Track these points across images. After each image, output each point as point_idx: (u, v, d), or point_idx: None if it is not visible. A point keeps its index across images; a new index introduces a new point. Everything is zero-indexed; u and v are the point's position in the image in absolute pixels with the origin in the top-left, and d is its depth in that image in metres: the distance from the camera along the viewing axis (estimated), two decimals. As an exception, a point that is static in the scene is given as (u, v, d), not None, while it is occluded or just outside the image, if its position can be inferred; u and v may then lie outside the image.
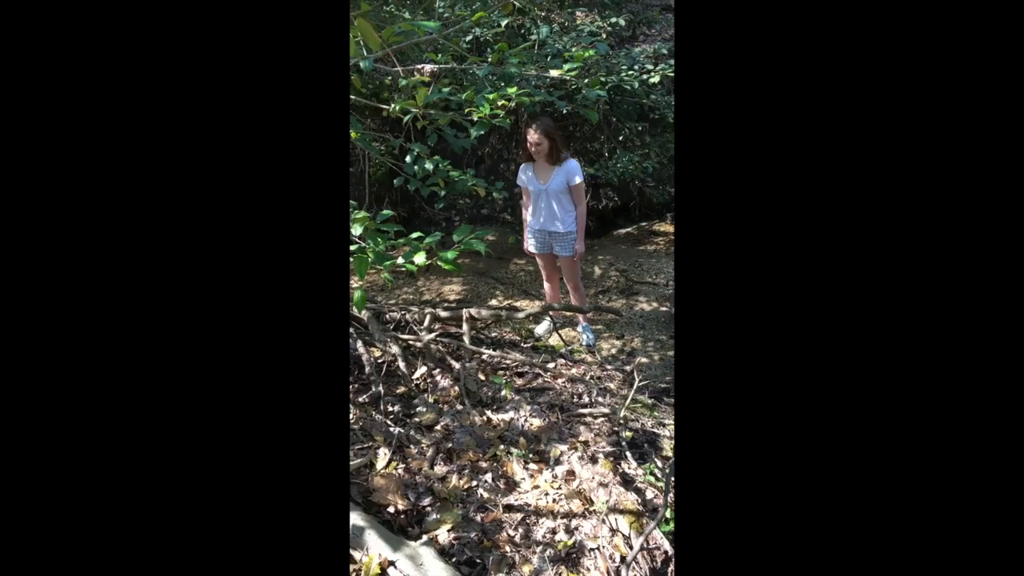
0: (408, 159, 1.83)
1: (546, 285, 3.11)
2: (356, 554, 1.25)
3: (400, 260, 1.34)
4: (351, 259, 1.33)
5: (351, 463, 1.58)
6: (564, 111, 3.09)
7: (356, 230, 1.44)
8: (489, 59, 1.52)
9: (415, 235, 1.45)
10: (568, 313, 3.10)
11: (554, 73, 1.55)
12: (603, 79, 2.93)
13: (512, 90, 1.45)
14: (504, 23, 1.84)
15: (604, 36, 3.95)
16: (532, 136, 2.60)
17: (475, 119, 1.53)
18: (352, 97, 2.02)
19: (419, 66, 1.60)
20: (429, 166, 1.80)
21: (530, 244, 2.95)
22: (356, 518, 1.30)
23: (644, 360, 2.88)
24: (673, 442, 1.89)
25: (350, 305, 2.40)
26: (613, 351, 3.00)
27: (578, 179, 2.68)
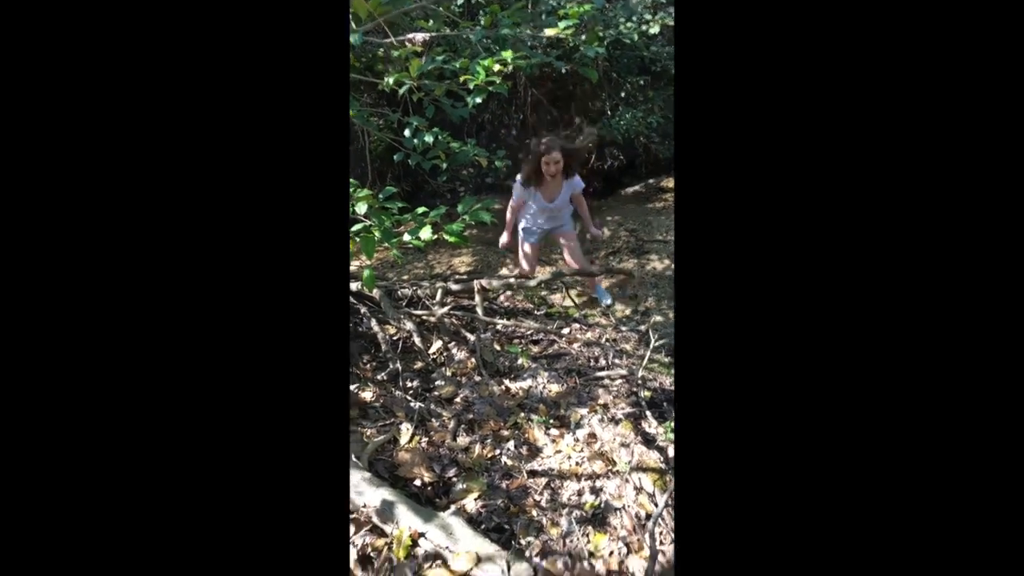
0: (407, 133, 1.80)
1: (527, 262, 3.01)
2: (387, 527, 1.28)
3: (407, 236, 1.33)
4: (358, 238, 1.32)
5: (375, 440, 1.61)
6: (563, 71, 3.02)
7: (360, 208, 1.43)
8: (482, 22, 1.47)
9: (420, 210, 1.43)
10: (580, 277, 3.08)
11: (549, 32, 1.50)
12: (600, 34, 2.84)
13: (507, 54, 1.41)
14: (495, -17, 1.78)
15: (599, -12, 3.82)
16: (555, 157, 2.49)
17: (472, 87, 1.49)
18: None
19: (410, 36, 1.56)
20: (429, 139, 1.77)
21: (527, 244, 2.89)
22: (384, 493, 1.33)
23: (659, 319, 2.87)
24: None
25: (360, 285, 2.41)
26: (627, 311, 3.00)
27: (582, 186, 2.70)
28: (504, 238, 2.90)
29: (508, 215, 2.82)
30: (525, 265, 2.98)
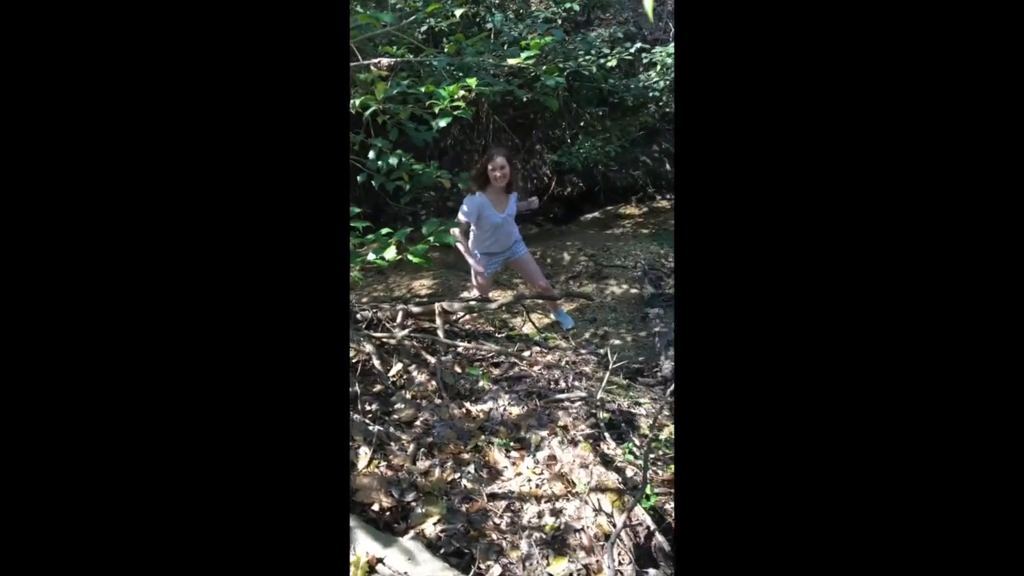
0: (371, 155, 1.81)
1: (482, 287, 3.03)
2: (343, 554, 1.25)
3: (371, 256, 1.33)
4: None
5: (332, 464, 1.57)
6: (524, 99, 3.10)
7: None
8: (446, 50, 1.50)
9: (384, 231, 1.43)
10: (540, 300, 3.12)
11: (512, 62, 1.54)
12: (561, 65, 2.94)
13: (472, 81, 1.45)
14: (459, 12, 1.82)
15: (559, 22, 3.95)
16: (499, 162, 2.57)
17: (437, 111, 1.52)
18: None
19: (376, 60, 1.58)
20: (393, 161, 1.78)
21: (488, 273, 2.90)
22: (341, 519, 1.30)
23: (617, 342, 2.92)
24: (651, 421, 1.93)
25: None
26: (587, 335, 3.04)
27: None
28: (476, 267, 2.87)
29: (460, 244, 2.76)
30: (476, 289, 3.00)
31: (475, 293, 3.01)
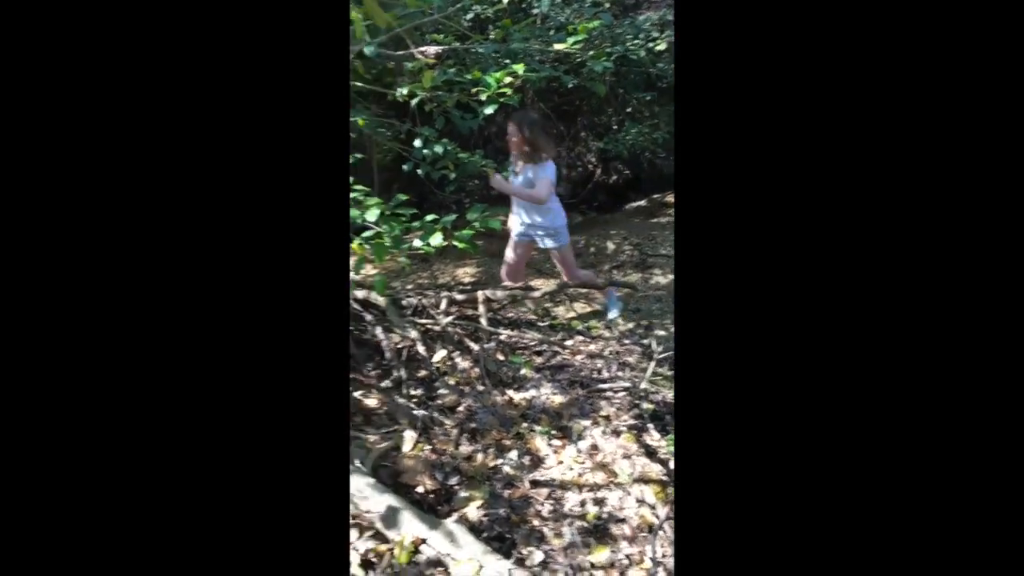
0: (417, 143, 1.83)
1: (509, 270, 2.91)
2: (389, 534, 1.29)
3: (418, 242, 1.35)
4: (368, 245, 1.34)
5: (379, 447, 1.61)
6: (570, 85, 3.06)
7: (371, 216, 1.45)
8: (493, 36, 1.49)
9: (430, 217, 1.45)
10: (584, 289, 3.09)
11: (558, 47, 1.52)
12: (608, 50, 2.88)
13: (519, 67, 1.44)
14: (505, -1, 1.82)
15: (607, 5, 3.87)
16: (509, 129, 2.33)
17: (483, 98, 1.51)
18: (357, 83, 2.01)
19: (423, 48, 1.58)
20: (439, 149, 1.79)
21: (508, 248, 2.82)
22: (387, 499, 1.33)
23: (662, 332, 2.87)
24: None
25: (367, 292, 2.42)
26: (631, 325, 3.00)
27: (545, 174, 2.45)
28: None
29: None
30: (505, 273, 2.85)
31: (504, 274, 2.91)
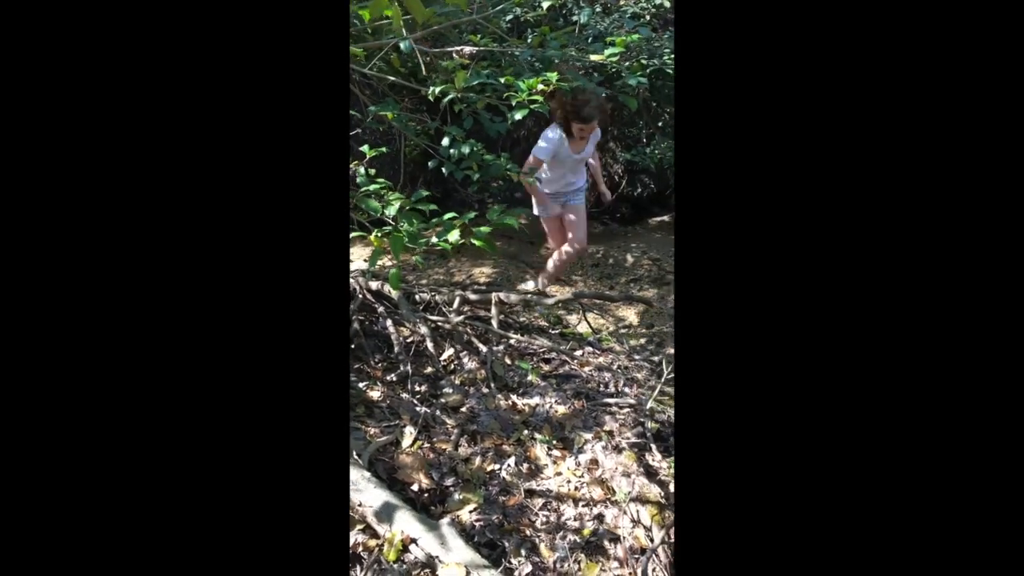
0: (444, 142, 1.83)
1: (552, 243, 3.13)
2: (380, 529, 1.28)
3: (435, 239, 1.35)
4: (387, 239, 1.34)
5: (378, 440, 1.61)
6: (603, 95, 3.05)
7: (390, 210, 1.45)
8: (530, 41, 1.49)
9: (448, 215, 1.45)
10: (598, 300, 3.07)
11: (594, 58, 1.51)
12: (644, 62, 2.86)
13: (552, 75, 1.43)
14: (546, 5, 1.80)
15: (647, 18, 3.85)
16: (590, 126, 2.55)
17: (513, 103, 1.51)
18: (389, 77, 2.02)
19: (459, 48, 1.59)
20: (465, 149, 1.79)
21: (539, 210, 2.95)
22: (383, 495, 1.33)
23: (673, 351, 2.84)
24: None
25: (381, 283, 2.43)
26: (643, 340, 2.98)
27: (599, 134, 2.76)
28: (540, 207, 2.92)
29: (524, 177, 2.55)
30: (555, 257, 3.04)
31: (531, 285, 3.04)
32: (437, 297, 2.53)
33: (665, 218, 4.77)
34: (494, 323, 2.39)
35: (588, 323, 2.96)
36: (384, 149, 1.87)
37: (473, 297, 2.58)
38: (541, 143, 2.66)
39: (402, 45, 1.41)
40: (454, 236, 1.34)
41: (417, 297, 2.54)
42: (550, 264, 3.15)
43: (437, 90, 1.56)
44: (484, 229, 1.41)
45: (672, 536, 1.41)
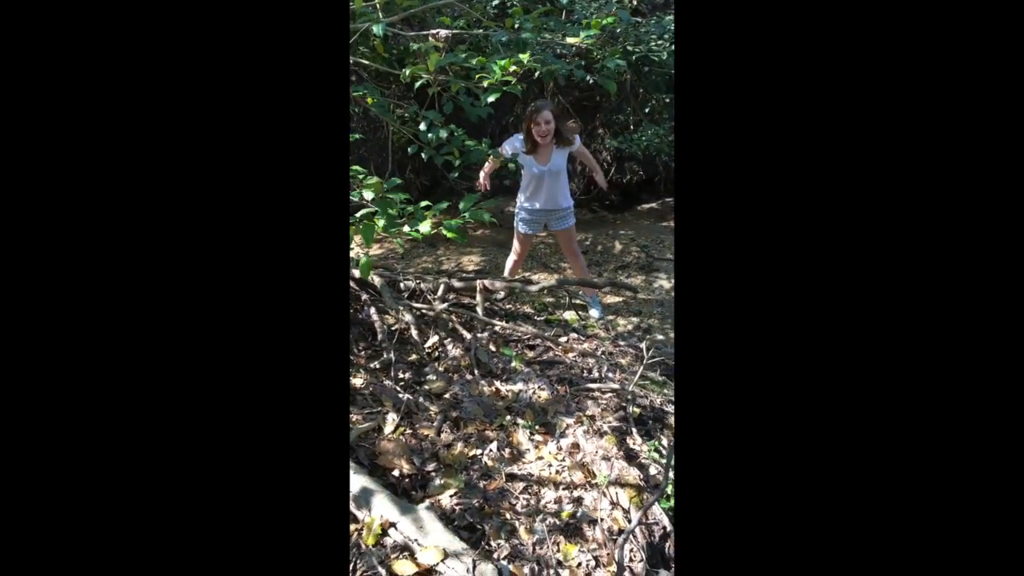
0: (422, 127, 1.81)
1: (513, 260, 3.09)
2: (359, 514, 1.29)
3: (406, 228, 1.35)
4: (359, 226, 1.33)
5: (360, 426, 1.61)
6: (589, 81, 3.03)
7: (367, 195, 1.44)
8: (505, 24, 1.47)
9: (423, 204, 1.44)
10: (583, 288, 3.08)
11: (571, 40, 1.50)
12: (629, 48, 2.85)
13: (524, 56, 1.42)
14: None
15: (635, 3, 3.82)
16: (545, 116, 2.60)
17: (486, 85, 1.50)
18: (371, 63, 2.00)
19: (434, 31, 1.57)
20: (443, 134, 1.78)
21: (521, 225, 2.93)
22: (361, 480, 1.33)
23: (659, 337, 2.85)
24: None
25: (354, 271, 2.42)
26: (629, 327, 2.98)
27: (579, 142, 2.78)
28: (523, 224, 2.95)
29: (485, 167, 2.84)
30: (511, 260, 3.02)
31: (510, 262, 3.07)
32: (422, 285, 2.53)
33: (654, 205, 4.78)
34: (479, 310, 2.39)
35: (574, 310, 2.97)
36: (358, 136, 1.85)
37: (458, 285, 2.58)
38: (505, 143, 2.78)
39: (375, 28, 1.40)
40: (425, 227, 1.34)
41: (402, 285, 2.54)
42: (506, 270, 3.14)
43: (407, 72, 1.55)
44: (455, 222, 1.41)
45: (649, 518, 1.42)
